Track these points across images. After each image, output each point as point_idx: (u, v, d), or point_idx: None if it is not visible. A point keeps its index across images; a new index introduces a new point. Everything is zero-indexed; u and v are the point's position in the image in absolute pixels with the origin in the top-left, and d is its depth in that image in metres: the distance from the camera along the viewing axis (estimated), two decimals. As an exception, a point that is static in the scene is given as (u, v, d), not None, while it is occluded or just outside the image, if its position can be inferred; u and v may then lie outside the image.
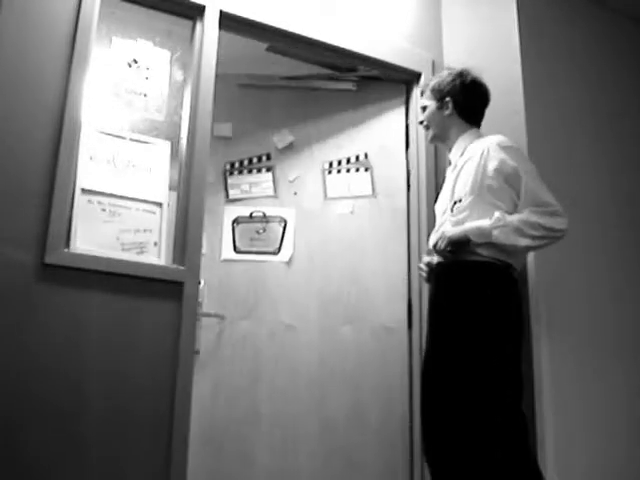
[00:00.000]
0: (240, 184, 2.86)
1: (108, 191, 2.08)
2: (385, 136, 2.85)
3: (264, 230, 2.79)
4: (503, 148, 2.03)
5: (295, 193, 2.85)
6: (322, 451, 2.57)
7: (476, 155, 2.06)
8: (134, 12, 2.27)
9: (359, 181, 2.83)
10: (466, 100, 2.17)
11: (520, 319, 2.00)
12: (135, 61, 2.24)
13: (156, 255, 2.11)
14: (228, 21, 2.39)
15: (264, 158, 2.89)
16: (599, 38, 2.85)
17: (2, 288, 1.86)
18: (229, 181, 2.86)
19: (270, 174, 2.86)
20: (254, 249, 2.77)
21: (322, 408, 2.62)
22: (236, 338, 2.67)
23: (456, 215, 2.04)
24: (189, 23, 2.36)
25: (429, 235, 2.59)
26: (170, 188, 2.19)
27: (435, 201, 2.40)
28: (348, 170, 2.85)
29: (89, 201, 2.05)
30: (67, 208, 1.99)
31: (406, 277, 2.66)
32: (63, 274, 1.94)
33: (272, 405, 2.61)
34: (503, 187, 1.99)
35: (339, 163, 2.87)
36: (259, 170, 2.87)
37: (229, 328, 2.68)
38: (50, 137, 2.00)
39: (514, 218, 1.95)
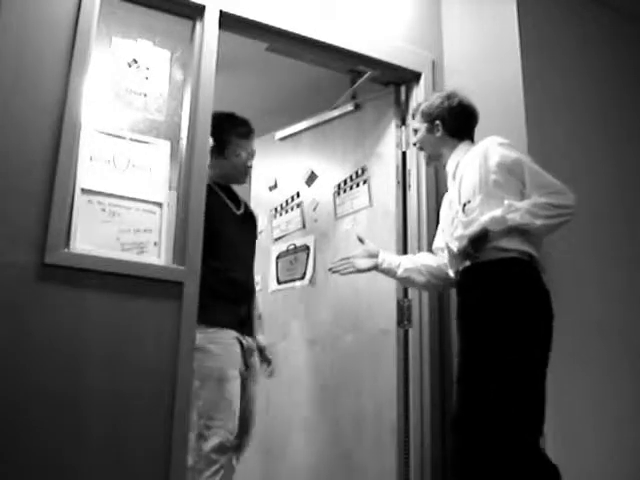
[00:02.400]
0: (280, 224, 3.26)
1: (108, 191, 2.08)
2: (380, 145, 2.91)
3: (295, 260, 3.10)
4: (501, 145, 2.08)
5: (315, 220, 3.11)
6: (330, 453, 2.71)
7: (476, 157, 2.11)
8: (134, 12, 2.27)
9: (359, 195, 2.94)
10: (454, 121, 2.24)
11: (551, 313, 1.99)
12: (135, 61, 2.24)
13: (156, 255, 2.11)
14: (228, 21, 2.39)
15: (295, 196, 3.22)
16: (599, 36, 2.85)
17: (2, 288, 1.86)
18: (273, 223, 3.28)
19: (299, 209, 3.17)
20: (289, 278, 3.13)
21: (330, 412, 2.78)
22: (279, 358, 2.96)
23: (468, 215, 2.06)
24: (189, 23, 2.35)
25: (432, 235, 2.59)
26: (170, 188, 2.19)
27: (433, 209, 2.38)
28: (351, 187, 2.98)
29: (89, 201, 2.05)
30: (67, 208, 1.99)
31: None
32: (63, 274, 1.94)
33: (300, 412, 2.93)
34: (508, 179, 2.03)
35: (345, 182, 3.02)
36: (292, 208, 3.20)
37: (274, 350, 2.97)
38: (50, 137, 2.00)
39: (524, 203, 1.99)
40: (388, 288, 2.70)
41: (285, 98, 3.71)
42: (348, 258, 2.42)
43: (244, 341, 2.35)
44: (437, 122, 2.24)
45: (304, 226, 3.13)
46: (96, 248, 2.01)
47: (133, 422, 1.95)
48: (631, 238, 2.67)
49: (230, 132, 2.50)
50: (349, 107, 3.05)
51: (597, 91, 2.77)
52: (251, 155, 2.56)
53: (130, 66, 2.22)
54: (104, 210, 2.06)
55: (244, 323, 2.39)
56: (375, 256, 2.38)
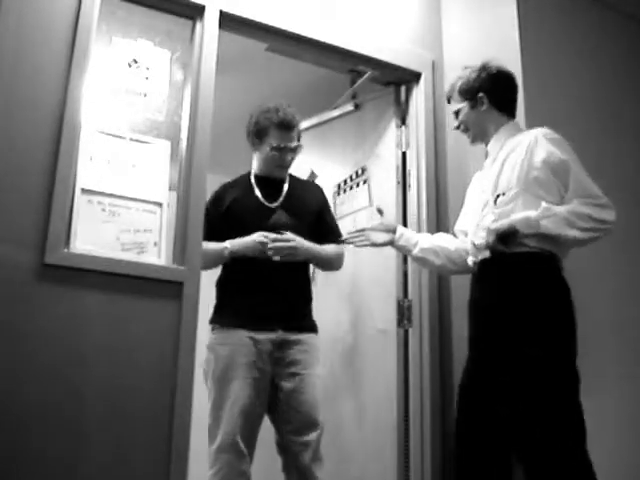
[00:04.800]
0: None
1: (108, 191, 2.08)
2: (380, 145, 2.91)
3: None
4: (550, 140, 1.99)
5: None
6: (330, 454, 2.66)
7: (521, 147, 2.01)
8: (134, 12, 2.27)
9: (359, 195, 2.94)
10: (498, 90, 2.13)
11: (572, 310, 1.93)
12: (135, 61, 2.24)
13: (156, 255, 2.11)
14: (228, 21, 2.39)
15: None
16: (600, 37, 2.85)
17: (2, 288, 1.86)
18: None
19: None
20: None
21: (330, 412, 2.71)
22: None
23: (500, 207, 1.99)
24: (189, 23, 2.36)
25: (435, 231, 2.59)
26: (170, 188, 2.19)
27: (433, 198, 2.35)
28: (351, 187, 2.98)
29: (89, 201, 2.05)
30: (67, 208, 1.99)
31: (394, 278, 2.68)
32: (63, 274, 1.94)
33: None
34: (550, 179, 1.94)
35: (345, 182, 3.01)
36: None
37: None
38: (50, 137, 2.00)
39: (562, 209, 1.90)
40: (388, 288, 2.70)
41: (285, 98, 3.70)
42: (364, 230, 2.33)
43: (259, 337, 2.26)
44: (481, 94, 2.11)
45: None
46: (96, 248, 2.01)
47: (133, 422, 1.95)
48: (633, 233, 2.67)
49: (267, 121, 2.43)
50: (349, 107, 3.05)
51: (597, 91, 2.77)
52: (287, 148, 2.44)
53: (130, 66, 2.22)
54: (104, 210, 2.06)
55: (264, 319, 2.29)
56: (392, 231, 2.30)
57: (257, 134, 2.47)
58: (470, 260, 2.12)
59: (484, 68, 2.15)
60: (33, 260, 1.91)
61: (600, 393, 2.36)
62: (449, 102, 2.26)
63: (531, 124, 2.38)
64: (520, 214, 1.92)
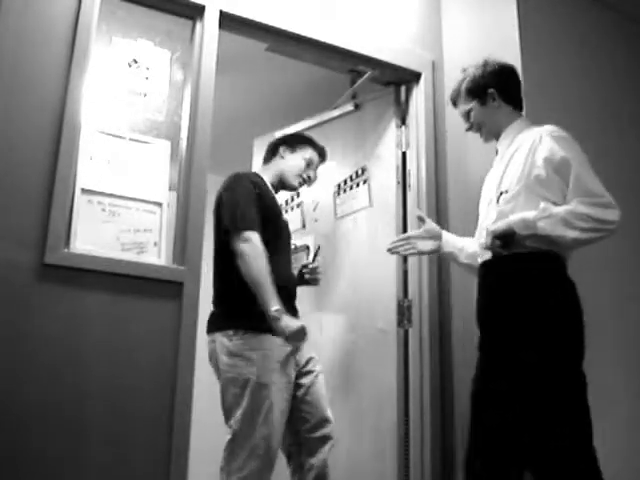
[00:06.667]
0: None
1: (108, 191, 2.08)
2: (380, 145, 2.91)
3: (295, 260, 2.95)
4: (554, 138, 1.93)
5: (315, 220, 3.09)
6: (332, 455, 2.65)
7: (526, 145, 1.97)
8: (134, 12, 2.27)
9: (359, 195, 2.94)
10: (505, 83, 2.10)
11: (579, 311, 1.87)
12: (135, 61, 2.24)
13: (156, 255, 2.11)
14: (228, 21, 2.40)
15: (295, 197, 3.18)
16: (600, 38, 2.85)
17: (2, 288, 1.86)
18: None
19: (299, 209, 3.17)
20: None
21: (332, 414, 2.67)
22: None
23: (502, 206, 1.95)
24: (189, 23, 2.36)
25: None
26: (170, 188, 2.19)
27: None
28: (351, 187, 2.99)
29: (89, 201, 2.05)
30: (67, 208, 1.99)
31: (394, 278, 2.68)
32: (63, 274, 1.94)
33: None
34: (552, 177, 1.89)
35: (345, 182, 3.02)
36: (292, 208, 3.19)
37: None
38: (50, 137, 2.00)
39: (560, 209, 1.84)
40: (388, 288, 2.70)
41: (285, 98, 3.71)
42: (409, 237, 2.29)
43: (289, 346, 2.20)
44: (490, 90, 2.06)
45: (304, 226, 3.12)
46: (96, 248, 2.01)
47: (133, 422, 1.95)
48: (636, 233, 2.67)
49: (309, 143, 2.56)
50: (349, 107, 3.05)
51: (597, 91, 2.77)
52: (315, 170, 2.58)
53: (130, 66, 2.22)
54: (104, 210, 2.07)
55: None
56: (438, 237, 2.27)
57: (293, 144, 2.52)
58: (478, 259, 2.10)
59: (487, 64, 2.11)
60: (33, 260, 1.91)
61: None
62: (455, 106, 2.20)
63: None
64: (517, 215, 1.88)
